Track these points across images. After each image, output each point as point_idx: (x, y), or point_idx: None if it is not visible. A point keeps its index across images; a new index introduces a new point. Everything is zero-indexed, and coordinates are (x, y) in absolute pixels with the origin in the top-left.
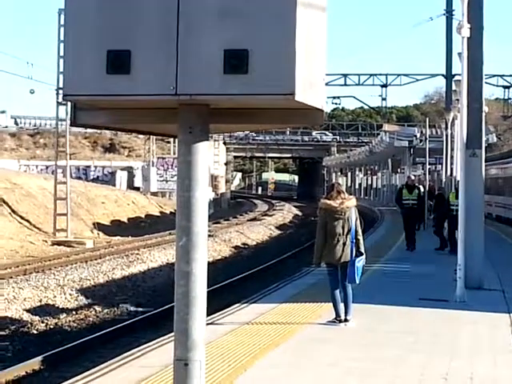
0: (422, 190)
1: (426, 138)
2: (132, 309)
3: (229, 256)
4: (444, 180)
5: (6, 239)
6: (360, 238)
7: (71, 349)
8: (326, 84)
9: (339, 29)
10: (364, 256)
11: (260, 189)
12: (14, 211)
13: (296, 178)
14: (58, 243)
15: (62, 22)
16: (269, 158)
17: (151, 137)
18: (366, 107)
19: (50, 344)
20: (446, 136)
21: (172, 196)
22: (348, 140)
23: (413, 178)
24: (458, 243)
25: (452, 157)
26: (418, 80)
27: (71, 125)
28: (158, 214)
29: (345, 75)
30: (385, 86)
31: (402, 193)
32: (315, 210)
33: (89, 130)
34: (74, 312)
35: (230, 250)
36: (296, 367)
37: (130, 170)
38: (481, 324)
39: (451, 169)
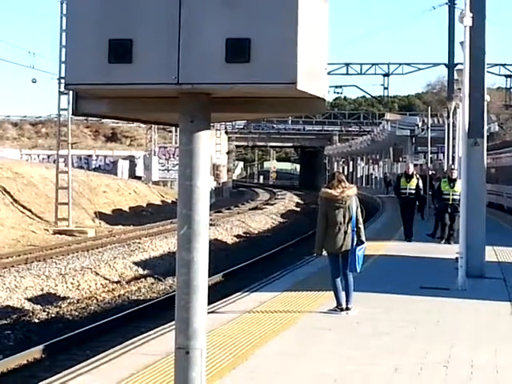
0: (420, 180)
1: (427, 127)
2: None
3: (230, 245)
4: (445, 169)
5: (7, 228)
6: (361, 226)
7: (73, 337)
8: (328, 73)
9: (341, 17)
10: (365, 244)
11: (262, 178)
12: (15, 200)
13: (298, 167)
14: (60, 232)
15: (64, 12)
16: (270, 147)
17: (153, 126)
18: (367, 96)
19: (51, 333)
20: (448, 125)
21: (173, 185)
22: (350, 129)
23: (411, 166)
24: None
25: (454, 146)
26: (420, 69)
27: (73, 114)
28: (160, 203)
29: (347, 64)
30: (387, 75)
31: (400, 182)
32: (316, 198)
33: (90, 120)
34: (75, 301)
35: (231, 238)
36: (297, 356)
37: (131, 160)
38: (482, 312)
39: (453, 158)
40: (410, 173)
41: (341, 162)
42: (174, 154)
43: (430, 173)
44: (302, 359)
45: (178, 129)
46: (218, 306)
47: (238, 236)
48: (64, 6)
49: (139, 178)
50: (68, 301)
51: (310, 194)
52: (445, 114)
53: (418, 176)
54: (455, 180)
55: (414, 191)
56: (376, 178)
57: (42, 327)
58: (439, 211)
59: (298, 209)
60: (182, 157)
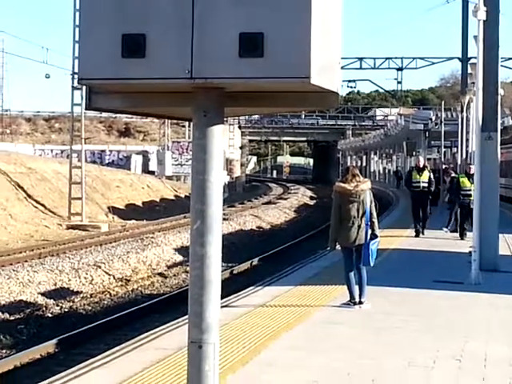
0: (432, 173)
1: (441, 121)
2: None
3: (244, 239)
4: (459, 163)
5: (21, 223)
6: (375, 220)
7: (86, 332)
8: (342, 67)
9: (355, 12)
10: (378, 239)
11: (275, 172)
12: (29, 195)
13: (311, 161)
14: (73, 227)
15: (78, 7)
16: (284, 141)
17: (166, 121)
18: (381, 91)
19: (64, 327)
20: (462, 119)
21: (187, 180)
22: (363, 123)
23: (422, 159)
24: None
25: (467, 140)
26: (433, 63)
27: (86, 108)
28: (173, 198)
29: (360, 59)
30: (400, 69)
31: (412, 175)
32: (330, 192)
33: (104, 115)
34: (88, 295)
35: (244, 233)
36: (309, 350)
37: (145, 154)
38: (496, 306)
39: (466, 152)
40: (421, 166)
41: (354, 157)
42: (187, 149)
43: (444, 167)
44: (315, 353)
45: (192, 123)
46: (231, 300)
47: (251, 230)
48: (77, 1)
49: (152, 172)
50: (81, 295)
51: (323, 188)
52: (458, 108)
53: (429, 169)
54: (473, 175)
55: (426, 184)
56: (389, 172)
57: (55, 322)
58: (461, 207)
59: (312, 203)
60: (196, 151)
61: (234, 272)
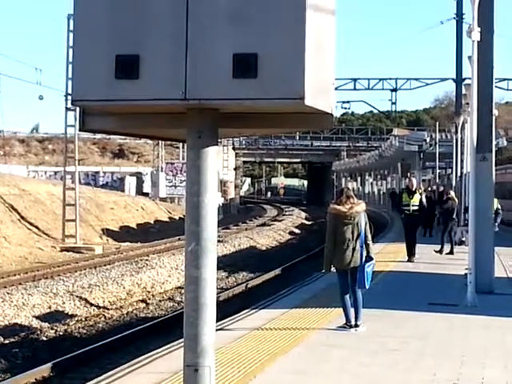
0: (423, 196)
1: (435, 143)
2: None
3: (239, 261)
4: (454, 184)
5: (14, 246)
6: (369, 242)
7: (81, 355)
8: (336, 88)
9: (349, 33)
10: (374, 261)
11: (269, 194)
12: (22, 217)
13: (305, 182)
14: (67, 249)
15: (71, 28)
16: (278, 162)
17: (160, 142)
18: (375, 111)
19: (59, 351)
20: (456, 140)
21: (181, 201)
22: (358, 145)
23: (415, 182)
24: None
25: (462, 161)
26: (427, 84)
27: (80, 130)
28: (167, 220)
29: (354, 79)
30: (394, 90)
31: (402, 197)
32: (324, 214)
33: (97, 136)
34: (83, 318)
35: (239, 255)
36: (306, 373)
37: (138, 176)
38: (492, 329)
39: (461, 173)
40: (414, 189)
41: (349, 178)
42: (181, 170)
43: (442, 189)
44: (312, 377)
45: (186, 144)
46: (227, 323)
47: (246, 252)
48: (71, 21)
49: (146, 194)
50: (76, 318)
51: (317, 209)
52: (453, 129)
53: (420, 191)
54: None
55: (417, 207)
56: (384, 193)
57: (49, 345)
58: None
59: (306, 225)
60: (190, 173)
61: (230, 294)
